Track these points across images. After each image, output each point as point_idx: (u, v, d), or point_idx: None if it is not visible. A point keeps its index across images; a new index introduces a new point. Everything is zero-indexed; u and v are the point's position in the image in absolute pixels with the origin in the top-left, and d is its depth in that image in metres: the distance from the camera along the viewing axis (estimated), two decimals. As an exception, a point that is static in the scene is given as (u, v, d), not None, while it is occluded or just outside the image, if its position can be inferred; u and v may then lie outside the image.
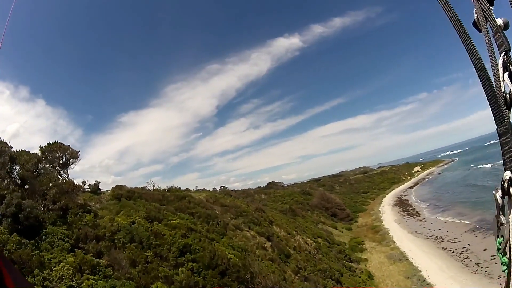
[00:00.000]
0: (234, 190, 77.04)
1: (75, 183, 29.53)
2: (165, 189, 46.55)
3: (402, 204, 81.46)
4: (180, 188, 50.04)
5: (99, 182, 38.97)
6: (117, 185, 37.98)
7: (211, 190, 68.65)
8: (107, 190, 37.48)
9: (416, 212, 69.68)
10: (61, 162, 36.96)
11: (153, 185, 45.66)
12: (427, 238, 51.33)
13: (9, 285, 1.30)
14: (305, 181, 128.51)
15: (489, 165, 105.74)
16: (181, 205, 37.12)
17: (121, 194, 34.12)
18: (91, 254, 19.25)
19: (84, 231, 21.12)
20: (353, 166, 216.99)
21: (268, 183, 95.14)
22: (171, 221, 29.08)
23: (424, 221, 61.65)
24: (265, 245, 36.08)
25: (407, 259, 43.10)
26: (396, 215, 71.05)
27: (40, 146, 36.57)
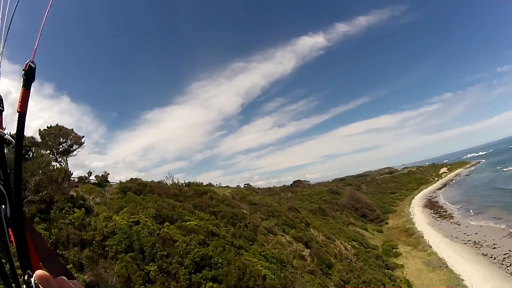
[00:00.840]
0: (259, 188, 74.70)
1: (67, 171, 25.05)
2: (183, 183, 43.33)
3: (432, 206, 79.39)
4: (202, 183, 47.07)
5: (108, 173, 36.28)
6: (131, 178, 34.27)
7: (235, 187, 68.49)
8: (116, 183, 33.96)
9: (449, 214, 67.89)
10: (60, 148, 34.32)
11: (172, 179, 42.76)
12: (465, 243, 49.86)
13: (31, 252, 1.34)
14: (330, 181, 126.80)
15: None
16: (201, 202, 32.94)
17: (129, 187, 29.81)
18: (70, 266, 14.79)
19: (66, 232, 16.64)
20: (377, 166, 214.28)
21: (294, 181, 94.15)
22: (187, 223, 24.32)
23: (459, 225, 60.01)
24: (303, 253, 31.60)
25: (447, 266, 41.83)
26: (427, 217, 69.29)
27: (39, 129, 33.98)
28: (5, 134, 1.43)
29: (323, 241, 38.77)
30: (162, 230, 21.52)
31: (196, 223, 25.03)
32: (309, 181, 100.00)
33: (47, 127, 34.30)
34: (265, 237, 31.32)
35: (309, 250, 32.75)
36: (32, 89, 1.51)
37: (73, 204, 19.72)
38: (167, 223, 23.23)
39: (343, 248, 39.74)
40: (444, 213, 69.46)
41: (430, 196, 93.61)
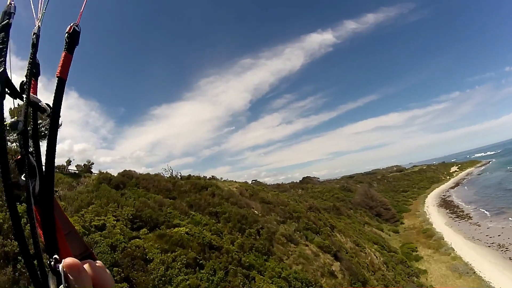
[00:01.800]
0: (267, 184, 72.54)
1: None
2: (178, 175, 37.66)
3: (447, 205, 77.00)
4: (204, 176, 41.15)
5: (92, 163, 33.11)
6: (124, 170, 29.83)
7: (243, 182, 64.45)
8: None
9: (466, 215, 65.60)
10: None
11: (171, 172, 37.57)
12: (488, 246, 47.73)
13: (58, 234, 1.25)
14: (338, 178, 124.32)
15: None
16: (200, 199, 26.92)
17: (109, 178, 25.34)
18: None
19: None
20: (384, 164, 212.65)
21: (303, 178, 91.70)
22: (175, 229, 18.62)
23: (479, 226, 57.71)
24: (333, 267, 26.21)
25: (474, 272, 39.55)
26: (444, 217, 66.95)
27: (10, 108, 30.73)
28: (40, 101, 1.35)
29: (352, 248, 34.38)
30: (132, 242, 15.50)
31: (188, 229, 19.08)
32: (318, 178, 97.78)
33: (19, 105, 31.54)
34: (284, 248, 25.17)
35: (339, 263, 27.45)
36: (39, 84, 1.44)
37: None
38: (144, 229, 17.60)
39: (374, 257, 36.12)
40: (461, 213, 67.25)
41: (443, 195, 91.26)
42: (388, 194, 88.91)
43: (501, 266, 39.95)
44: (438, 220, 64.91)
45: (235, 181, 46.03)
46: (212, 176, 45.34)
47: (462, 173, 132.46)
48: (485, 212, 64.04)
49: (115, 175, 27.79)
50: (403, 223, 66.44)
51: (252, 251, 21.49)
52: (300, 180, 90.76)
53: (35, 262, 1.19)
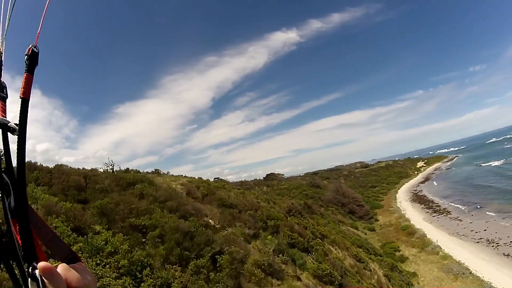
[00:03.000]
0: (230, 182, 64.79)
1: None
2: (111, 168, 30.08)
3: (421, 200, 73.16)
4: (138, 170, 31.75)
5: None
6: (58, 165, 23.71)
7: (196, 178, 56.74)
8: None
9: (444, 209, 61.60)
10: None
11: (112, 166, 31.06)
12: (477, 242, 43.46)
13: (35, 242, 1.32)
14: (301, 175, 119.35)
15: (497, 162, 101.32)
16: (119, 202, 16.94)
17: None
18: None
19: None
20: (348, 161, 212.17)
21: (268, 175, 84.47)
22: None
23: (460, 220, 53.53)
24: None
25: (471, 272, 34.37)
26: (421, 213, 62.48)
27: None
28: (9, 122, 1.39)
29: (353, 266, 25.69)
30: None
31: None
32: (283, 174, 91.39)
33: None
34: (261, 289, 15.43)
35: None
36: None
37: None
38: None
39: (381, 275, 27.98)
40: (437, 208, 63.10)
41: (414, 190, 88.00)
42: (356, 190, 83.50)
43: (497, 264, 35.49)
44: (415, 215, 60.17)
45: (184, 176, 35.73)
46: (156, 169, 36.31)
47: (430, 168, 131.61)
48: (462, 206, 60.41)
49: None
50: (378, 220, 60.98)
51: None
52: (264, 177, 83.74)
53: (16, 271, 1.28)
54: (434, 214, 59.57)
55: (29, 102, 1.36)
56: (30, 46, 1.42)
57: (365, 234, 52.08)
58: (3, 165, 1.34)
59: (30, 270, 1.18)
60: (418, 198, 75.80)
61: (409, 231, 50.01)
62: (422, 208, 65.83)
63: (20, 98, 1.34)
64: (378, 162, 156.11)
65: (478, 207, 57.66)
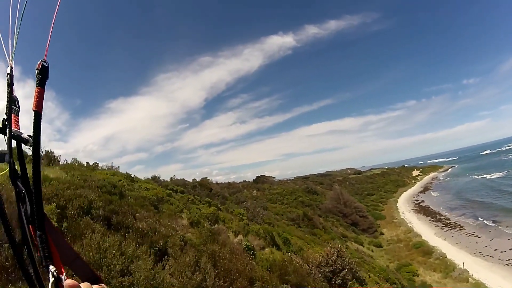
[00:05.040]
0: (217, 183, 61.23)
1: None
2: None
3: (426, 212, 67.63)
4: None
5: None
6: None
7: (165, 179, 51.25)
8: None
9: (455, 223, 55.64)
10: None
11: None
12: (507, 264, 37.71)
13: (53, 249, 1.38)
14: (291, 178, 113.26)
15: (499, 174, 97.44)
16: None
17: None
18: None
19: None
20: (337, 167, 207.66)
21: (258, 177, 77.27)
22: None
23: (477, 237, 47.88)
24: None
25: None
26: (430, 226, 56.71)
27: None
28: (23, 133, 1.48)
29: None
30: None
31: None
32: (274, 177, 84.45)
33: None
34: None
35: None
36: None
37: None
38: None
39: None
40: (447, 222, 57.23)
41: (415, 200, 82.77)
42: (353, 198, 77.57)
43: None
44: (424, 229, 54.23)
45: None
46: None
47: (427, 177, 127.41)
48: (474, 220, 54.99)
49: None
50: (383, 234, 54.73)
51: None
52: (254, 179, 76.56)
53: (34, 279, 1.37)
54: (446, 229, 53.78)
55: (41, 115, 1.41)
56: (40, 61, 1.45)
57: (372, 251, 45.65)
58: (18, 173, 1.45)
59: (53, 273, 1.22)
60: (422, 209, 70.22)
61: (424, 249, 43.81)
62: (430, 221, 60.10)
63: (33, 111, 1.39)
64: (371, 169, 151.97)
65: (493, 221, 52.25)
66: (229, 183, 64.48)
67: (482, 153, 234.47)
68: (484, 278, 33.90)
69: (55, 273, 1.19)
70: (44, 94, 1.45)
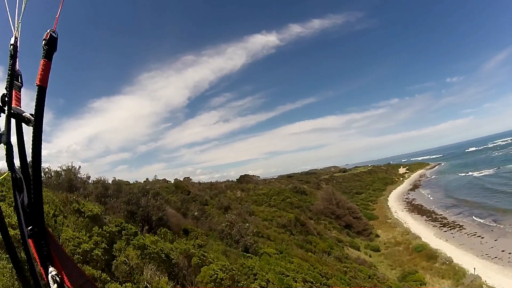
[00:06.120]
0: (199, 182, 57.89)
1: None
2: None
3: (420, 211, 64.87)
4: None
5: None
6: None
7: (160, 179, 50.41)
8: None
9: (453, 223, 52.93)
10: None
11: None
12: None
13: (59, 270, 1.31)
14: (274, 177, 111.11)
15: (489, 171, 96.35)
16: None
17: None
18: None
19: None
20: (321, 165, 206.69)
21: (242, 176, 72.82)
22: None
23: (480, 237, 45.03)
24: None
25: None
26: (427, 226, 53.72)
27: None
28: (24, 112, 1.38)
29: None
30: None
31: None
32: (258, 176, 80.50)
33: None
34: None
35: None
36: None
37: None
38: None
39: None
40: (444, 221, 54.36)
41: (406, 198, 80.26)
42: (346, 198, 74.17)
43: None
44: (422, 230, 50.96)
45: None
46: None
47: (415, 175, 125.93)
48: (474, 219, 52.28)
49: None
50: (379, 236, 51.07)
51: None
52: (237, 179, 72.01)
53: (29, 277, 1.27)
54: (445, 229, 50.70)
55: (46, 90, 1.30)
56: (49, 31, 1.36)
57: (370, 256, 41.83)
58: (16, 159, 1.29)
59: (52, 275, 1.18)
60: (415, 208, 67.37)
61: (427, 253, 40.27)
62: (426, 220, 57.07)
63: (37, 85, 1.28)
64: (356, 167, 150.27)
65: (494, 220, 49.58)
66: (211, 183, 60.11)
67: (467, 150, 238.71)
68: (498, 285, 30.59)
69: (58, 278, 1.10)
70: (50, 67, 1.32)
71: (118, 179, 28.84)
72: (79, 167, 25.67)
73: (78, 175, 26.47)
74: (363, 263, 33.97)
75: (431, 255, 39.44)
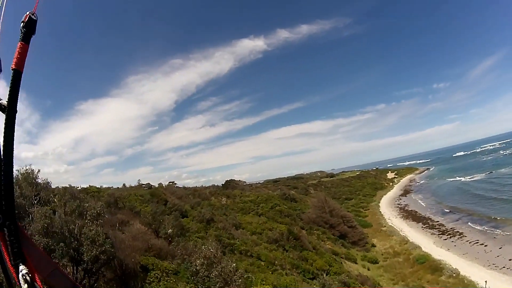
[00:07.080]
0: (184, 187, 56.55)
1: None
2: None
3: (415, 217, 62.79)
4: None
5: None
6: None
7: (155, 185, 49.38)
8: None
9: (452, 230, 50.65)
10: None
11: None
12: None
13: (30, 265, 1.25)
14: (260, 182, 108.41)
15: (480, 176, 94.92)
16: None
17: None
18: None
19: None
20: (306, 170, 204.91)
21: (227, 181, 68.54)
22: None
23: (483, 245, 42.63)
24: None
25: None
26: (425, 234, 51.33)
27: None
28: (1, 99, 1.32)
29: None
30: None
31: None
32: (245, 181, 76.92)
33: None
34: None
35: None
36: None
37: None
38: None
39: None
40: (443, 229, 52.05)
41: (398, 204, 77.73)
42: (339, 205, 71.13)
43: None
44: (420, 238, 48.25)
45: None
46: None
47: (404, 180, 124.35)
48: (473, 226, 49.90)
49: None
50: (375, 246, 48.04)
51: None
52: (223, 184, 67.99)
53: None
54: (444, 237, 48.19)
55: (22, 75, 1.23)
56: (28, 12, 1.32)
57: (368, 269, 38.63)
58: None
59: (23, 274, 1.11)
60: (409, 215, 64.98)
61: (430, 264, 37.39)
62: (423, 228, 54.55)
63: (12, 69, 1.23)
64: (343, 172, 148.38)
65: (495, 227, 47.29)
66: (195, 188, 56.60)
67: (455, 155, 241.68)
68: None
69: (28, 278, 1.05)
70: (27, 51, 1.26)
71: (82, 187, 25.09)
72: (39, 170, 22.32)
73: (38, 179, 22.78)
74: (365, 281, 30.57)
75: (435, 267, 36.57)
